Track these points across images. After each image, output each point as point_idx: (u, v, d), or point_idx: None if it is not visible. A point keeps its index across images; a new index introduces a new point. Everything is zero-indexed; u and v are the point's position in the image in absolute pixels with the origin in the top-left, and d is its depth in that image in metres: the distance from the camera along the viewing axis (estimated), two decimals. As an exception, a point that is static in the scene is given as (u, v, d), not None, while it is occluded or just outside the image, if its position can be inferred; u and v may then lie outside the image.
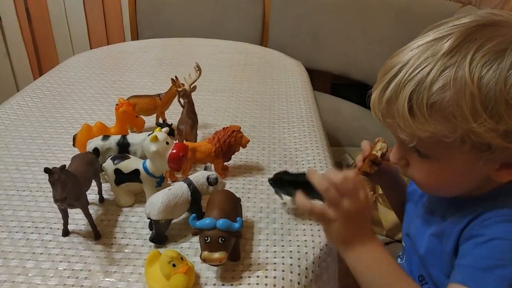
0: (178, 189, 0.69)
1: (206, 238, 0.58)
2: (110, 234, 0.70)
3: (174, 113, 1.04)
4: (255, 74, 1.42)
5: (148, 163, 0.73)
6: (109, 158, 0.75)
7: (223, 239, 0.58)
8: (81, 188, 0.66)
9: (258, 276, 0.62)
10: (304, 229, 0.71)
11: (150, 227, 0.69)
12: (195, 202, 0.70)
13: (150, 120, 1.03)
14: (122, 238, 0.69)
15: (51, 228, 0.71)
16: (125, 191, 0.76)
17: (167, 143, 0.72)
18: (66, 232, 0.70)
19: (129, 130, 0.96)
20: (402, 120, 0.53)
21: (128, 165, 0.74)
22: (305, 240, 0.69)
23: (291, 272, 0.63)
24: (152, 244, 0.68)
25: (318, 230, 0.71)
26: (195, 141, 0.92)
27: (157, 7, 2.07)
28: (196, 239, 0.67)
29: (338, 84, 2.15)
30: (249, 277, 0.62)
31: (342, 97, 1.94)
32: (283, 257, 0.65)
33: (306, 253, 0.67)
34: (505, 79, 0.48)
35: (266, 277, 0.62)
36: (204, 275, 0.62)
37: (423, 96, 0.51)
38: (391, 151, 0.65)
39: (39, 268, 0.63)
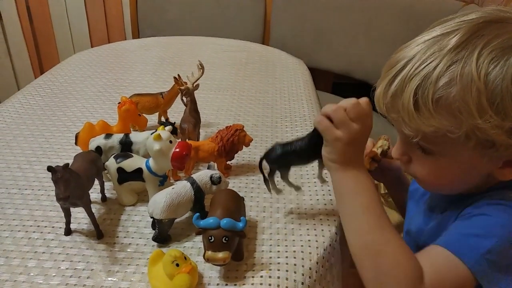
0: (181, 188, 0.68)
1: (209, 238, 0.58)
2: (112, 233, 0.70)
3: (176, 112, 1.04)
4: (257, 72, 1.41)
5: (151, 161, 0.73)
6: (112, 157, 0.75)
7: (227, 239, 0.58)
8: (84, 186, 0.66)
9: (261, 276, 0.62)
10: (308, 229, 0.71)
11: (153, 226, 0.69)
12: (198, 201, 0.69)
13: (152, 119, 1.02)
14: (124, 237, 0.69)
15: (53, 227, 0.70)
16: (128, 190, 0.76)
17: (171, 141, 0.71)
18: (68, 231, 0.69)
19: (131, 129, 0.95)
20: (407, 114, 0.53)
21: (131, 163, 0.73)
22: (309, 240, 0.68)
23: (295, 272, 0.63)
24: (155, 243, 0.67)
25: (322, 230, 0.70)
26: (198, 140, 0.92)
27: (158, 5, 2.07)
28: (199, 238, 0.67)
29: (340, 83, 2.15)
30: (253, 277, 0.62)
31: (344, 96, 1.91)
32: (286, 257, 0.65)
33: (310, 253, 0.66)
34: None
35: (270, 277, 0.61)
36: (207, 275, 0.62)
37: (428, 91, 0.51)
38: (393, 149, 0.65)
39: (41, 267, 0.63)
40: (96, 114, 1.09)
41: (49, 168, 0.58)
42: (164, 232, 0.67)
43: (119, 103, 0.92)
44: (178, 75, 0.95)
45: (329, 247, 0.68)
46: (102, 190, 0.77)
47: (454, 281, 0.53)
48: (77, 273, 0.62)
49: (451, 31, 0.52)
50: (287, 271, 0.63)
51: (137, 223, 0.72)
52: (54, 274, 0.62)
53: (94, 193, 0.76)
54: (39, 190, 0.79)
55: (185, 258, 0.59)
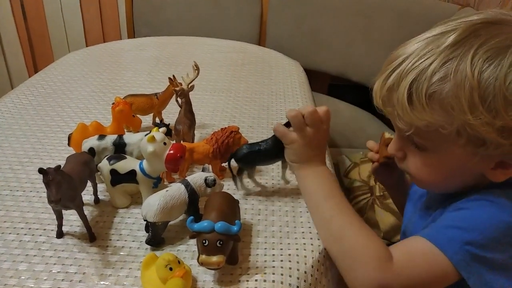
0: (175, 190, 0.67)
1: (204, 241, 0.57)
2: (105, 236, 0.69)
3: (171, 113, 1.03)
4: (253, 74, 1.41)
5: (144, 163, 0.72)
6: (105, 158, 0.74)
7: (221, 243, 0.57)
8: (76, 189, 0.65)
9: (256, 280, 0.61)
10: (303, 232, 0.70)
11: (147, 229, 0.68)
12: (192, 204, 0.69)
13: (146, 120, 1.01)
14: (117, 240, 0.68)
15: (45, 229, 0.69)
16: (121, 192, 0.75)
17: (165, 143, 0.70)
18: (60, 234, 0.68)
19: (125, 130, 0.94)
20: (401, 108, 0.54)
21: (124, 165, 0.72)
22: (304, 244, 0.68)
23: (290, 276, 0.62)
24: (148, 246, 0.66)
25: (317, 233, 0.70)
26: (193, 141, 0.91)
27: (154, 5, 2.06)
28: (193, 241, 0.66)
29: (335, 85, 2.15)
30: (247, 281, 0.61)
31: (339, 98, 1.93)
32: (281, 261, 0.64)
33: (305, 256, 0.65)
34: (505, 75, 0.49)
35: (265, 281, 0.61)
36: (201, 279, 0.61)
37: (423, 86, 0.52)
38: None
39: (32, 271, 0.62)
40: (90, 114, 1.08)
41: (41, 170, 0.57)
42: (157, 235, 0.66)
43: (113, 103, 0.91)
44: (173, 75, 0.94)
45: (324, 250, 0.67)
46: (95, 192, 0.76)
47: (427, 266, 0.54)
48: (69, 277, 0.61)
49: (450, 30, 0.53)
50: (282, 275, 0.62)
51: (130, 226, 0.71)
52: (45, 278, 0.61)
53: (87, 195, 0.75)
54: (30, 191, 0.78)
55: (178, 262, 0.58)
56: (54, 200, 0.58)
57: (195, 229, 0.58)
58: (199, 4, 2.04)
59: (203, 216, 0.63)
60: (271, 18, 2.00)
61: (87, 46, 1.93)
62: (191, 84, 0.91)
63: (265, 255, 0.66)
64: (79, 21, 2.21)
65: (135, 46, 1.62)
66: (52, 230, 0.69)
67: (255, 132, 1.02)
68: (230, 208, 0.65)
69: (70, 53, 1.57)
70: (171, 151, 0.70)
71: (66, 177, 0.61)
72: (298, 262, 0.64)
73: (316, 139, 0.68)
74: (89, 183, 0.72)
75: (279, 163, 0.79)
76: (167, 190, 0.67)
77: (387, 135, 0.74)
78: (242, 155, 0.75)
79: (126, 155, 0.75)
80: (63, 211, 0.68)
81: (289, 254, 0.66)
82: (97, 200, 0.76)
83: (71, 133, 0.84)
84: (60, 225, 0.68)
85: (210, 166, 0.76)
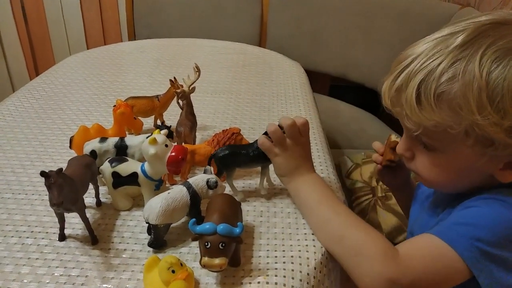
0: (177, 192, 0.67)
1: (206, 244, 0.57)
2: (107, 238, 0.69)
3: (172, 115, 1.03)
4: (254, 75, 1.41)
5: (146, 166, 0.72)
6: (107, 161, 0.74)
7: (223, 245, 0.57)
8: (78, 191, 0.65)
9: (259, 282, 0.61)
10: (306, 234, 0.70)
11: (149, 232, 0.68)
12: (194, 206, 0.68)
13: (148, 122, 1.01)
14: (120, 243, 0.68)
15: (47, 232, 0.69)
16: (123, 194, 0.75)
17: (166, 145, 0.70)
18: (62, 237, 0.68)
19: (127, 132, 0.94)
20: (409, 108, 0.54)
21: (126, 168, 0.72)
22: (307, 245, 0.68)
23: (293, 278, 0.62)
24: (151, 249, 0.66)
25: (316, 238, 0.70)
26: (194, 143, 0.91)
27: (154, 7, 2.06)
28: (195, 244, 0.66)
29: (337, 86, 2.15)
30: (250, 283, 0.61)
31: (340, 99, 1.93)
32: (284, 263, 0.64)
33: (308, 258, 0.65)
34: None
35: (267, 283, 0.61)
36: (203, 281, 0.61)
37: (431, 86, 0.52)
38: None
39: (35, 274, 0.62)
40: (91, 117, 1.08)
41: (42, 173, 0.57)
42: (159, 238, 0.66)
43: (114, 106, 0.91)
44: (174, 77, 0.94)
45: (327, 252, 0.67)
46: (97, 195, 0.76)
47: (436, 261, 0.54)
48: (71, 280, 0.61)
49: (459, 30, 0.53)
50: (284, 276, 0.62)
51: (132, 228, 0.71)
52: (48, 281, 0.61)
53: (89, 198, 0.75)
54: (33, 194, 0.78)
55: (181, 264, 0.58)
56: (56, 203, 0.58)
57: (197, 231, 0.58)
58: (200, 6, 2.04)
59: (205, 218, 0.63)
60: (271, 19, 2.00)
61: (88, 49, 1.93)
62: (192, 86, 0.91)
63: (267, 257, 0.66)
64: (79, 24, 2.22)
65: (135, 48, 1.62)
66: (54, 233, 0.69)
67: (256, 134, 1.02)
68: (232, 210, 0.65)
69: (71, 56, 1.57)
70: (173, 153, 0.70)
71: (68, 179, 0.61)
72: (300, 264, 0.64)
73: (297, 151, 0.70)
74: (91, 186, 0.72)
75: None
76: (169, 192, 0.67)
77: (394, 137, 0.73)
78: (223, 155, 0.75)
79: (127, 158, 0.75)
80: (65, 214, 0.68)
81: (292, 256, 0.65)
82: (99, 203, 0.76)
83: (73, 136, 0.84)
84: (62, 228, 0.68)
85: (212, 168, 0.76)
